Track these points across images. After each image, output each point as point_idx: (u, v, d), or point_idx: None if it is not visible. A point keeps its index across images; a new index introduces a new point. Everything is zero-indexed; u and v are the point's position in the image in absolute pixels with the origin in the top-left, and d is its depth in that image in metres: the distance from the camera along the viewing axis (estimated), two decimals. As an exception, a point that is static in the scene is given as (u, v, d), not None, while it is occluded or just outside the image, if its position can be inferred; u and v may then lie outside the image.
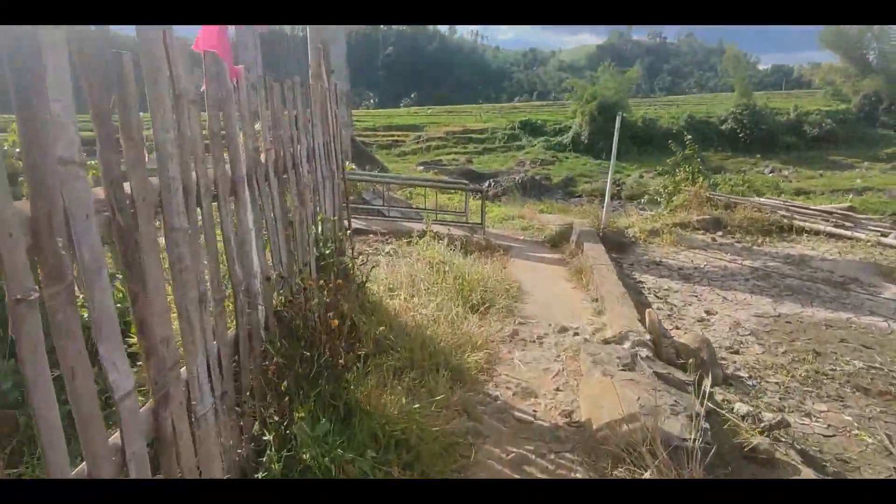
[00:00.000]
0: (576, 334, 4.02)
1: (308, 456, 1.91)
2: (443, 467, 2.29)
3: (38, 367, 0.99)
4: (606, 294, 4.62)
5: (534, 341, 3.90)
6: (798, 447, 2.90)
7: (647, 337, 3.69)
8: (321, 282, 2.46)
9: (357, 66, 54.32)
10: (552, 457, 2.51)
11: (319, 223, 3.20)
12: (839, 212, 8.53)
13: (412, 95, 78.33)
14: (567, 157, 29.20)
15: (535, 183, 23.17)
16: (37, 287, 0.99)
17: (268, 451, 1.90)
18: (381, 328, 2.87)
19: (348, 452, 1.98)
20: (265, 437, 1.91)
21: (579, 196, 21.78)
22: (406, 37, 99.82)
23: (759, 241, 7.77)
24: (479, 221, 7.18)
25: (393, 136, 32.35)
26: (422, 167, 24.22)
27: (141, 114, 1.37)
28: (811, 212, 8.56)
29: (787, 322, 4.85)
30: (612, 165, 7.46)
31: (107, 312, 1.16)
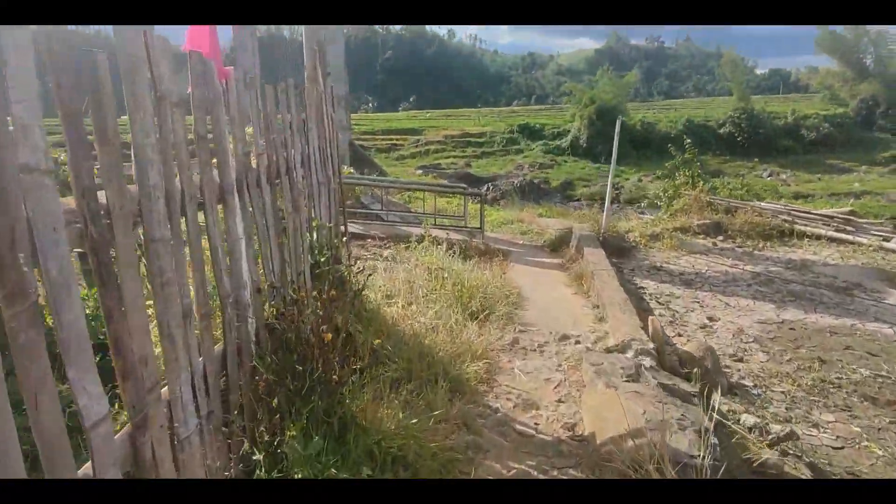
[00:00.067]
0: (577, 342, 3.93)
1: (300, 476, 1.82)
2: (441, 485, 2.20)
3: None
4: (608, 300, 4.53)
5: (534, 350, 3.80)
6: (807, 460, 2.82)
7: (651, 345, 3.59)
8: (315, 292, 2.37)
9: (356, 69, 54.38)
10: (555, 473, 2.42)
11: (315, 230, 3.11)
12: (840, 216, 8.47)
13: (411, 99, 78.43)
14: (565, 161, 29.20)
15: (534, 186, 23.14)
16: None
17: (257, 472, 1.80)
18: (378, 340, 2.77)
19: (342, 471, 1.90)
20: (255, 457, 1.82)
21: (578, 200, 21.75)
22: (405, 41, 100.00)
23: (761, 245, 7.69)
24: (478, 225, 7.11)
25: (392, 139, 32.28)
26: (420, 171, 24.13)
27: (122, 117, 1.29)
28: (812, 216, 8.50)
29: (790, 328, 4.77)
30: (612, 170, 7.39)
31: (77, 332, 1.07)
